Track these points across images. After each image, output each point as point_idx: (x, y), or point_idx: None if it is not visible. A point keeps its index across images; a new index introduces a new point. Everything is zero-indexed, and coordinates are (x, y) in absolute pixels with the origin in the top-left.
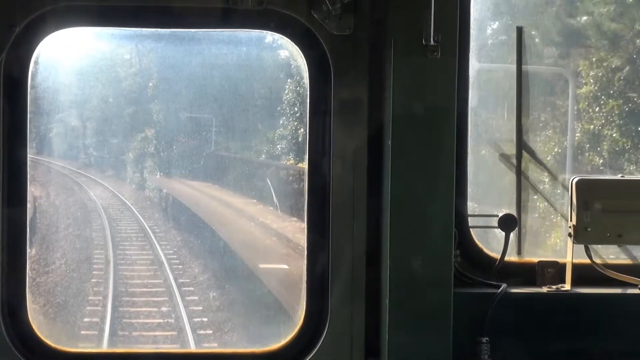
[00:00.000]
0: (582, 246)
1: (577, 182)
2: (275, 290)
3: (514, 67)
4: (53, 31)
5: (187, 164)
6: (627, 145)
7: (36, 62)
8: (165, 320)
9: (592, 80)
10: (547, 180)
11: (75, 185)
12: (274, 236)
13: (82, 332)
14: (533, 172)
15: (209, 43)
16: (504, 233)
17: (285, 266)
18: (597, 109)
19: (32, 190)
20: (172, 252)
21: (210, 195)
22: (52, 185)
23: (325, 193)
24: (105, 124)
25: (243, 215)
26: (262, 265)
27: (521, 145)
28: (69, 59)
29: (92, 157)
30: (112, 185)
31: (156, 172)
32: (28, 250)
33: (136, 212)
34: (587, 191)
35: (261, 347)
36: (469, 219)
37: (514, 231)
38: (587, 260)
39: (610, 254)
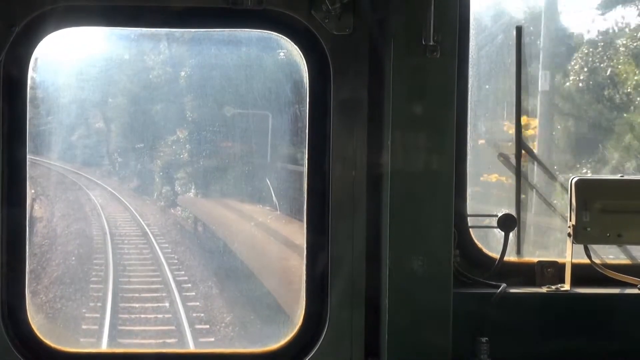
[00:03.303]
0: (581, 246)
1: (576, 182)
2: None
3: None
4: (53, 31)
5: (227, 178)
6: None
7: (35, 62)
8: None
9: None
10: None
11: (74, 185)
12: None
13: None
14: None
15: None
16: (503, 233)
17: None
18: None
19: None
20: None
21: (265, 227)
22: (46, 185)
23: (325, 193)
24: (106, 124)
25: None
26: None
27: (520, 145)
28: (68, 59)
29: (102, 159)
30: (113, 188)
31: (172, 184)
32: (28, 250)
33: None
34: (587, 191)
35: (261, 347)
36: (469, 218)
37: (513, 231)
38: (586, 260)
39: (609, 254)
